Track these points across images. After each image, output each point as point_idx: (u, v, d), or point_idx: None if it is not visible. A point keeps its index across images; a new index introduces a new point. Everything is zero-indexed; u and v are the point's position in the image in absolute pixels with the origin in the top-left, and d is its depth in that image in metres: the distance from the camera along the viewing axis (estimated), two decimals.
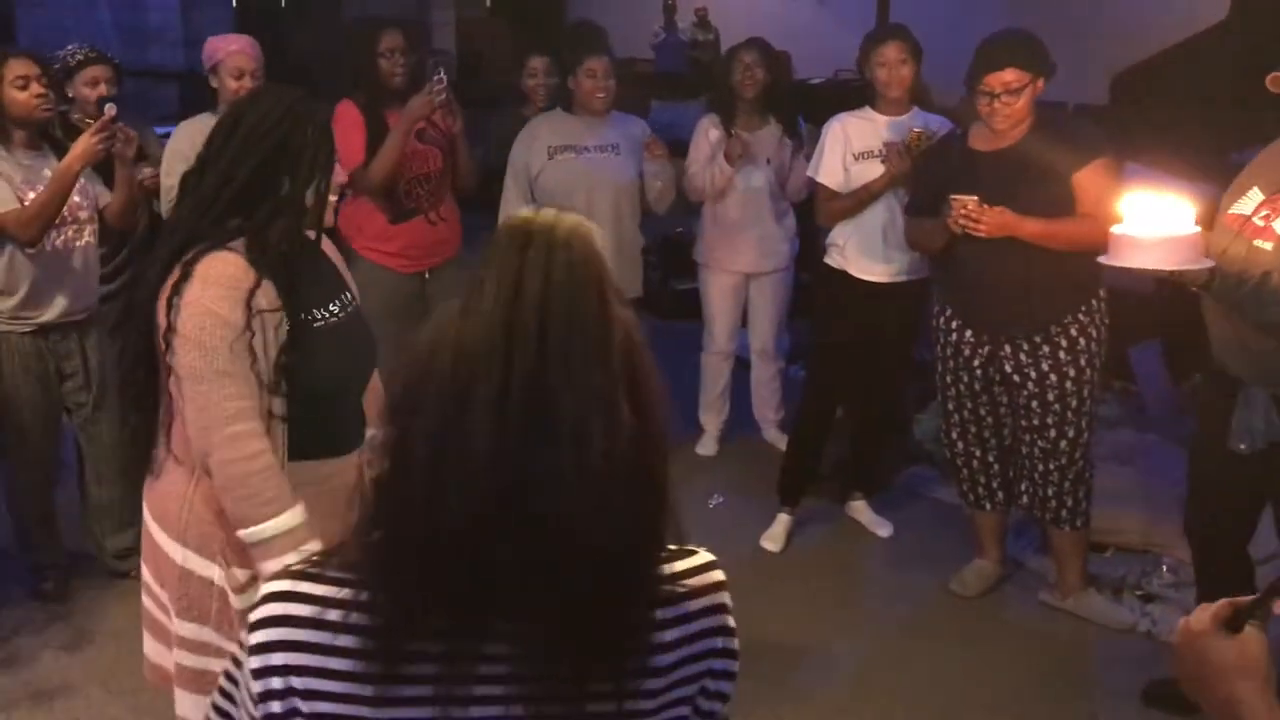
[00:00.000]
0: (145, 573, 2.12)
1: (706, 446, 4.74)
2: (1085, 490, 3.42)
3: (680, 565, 1.09)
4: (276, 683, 0.98)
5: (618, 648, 0.98)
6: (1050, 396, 3.31)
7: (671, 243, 6.36)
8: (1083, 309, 3.28)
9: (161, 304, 1.91)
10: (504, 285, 0.95)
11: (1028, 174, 3.15)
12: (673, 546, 1.09)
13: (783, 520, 4.00)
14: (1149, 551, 3.74)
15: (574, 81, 4.02)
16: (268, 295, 1.92)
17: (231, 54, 3.60)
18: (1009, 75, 3.11)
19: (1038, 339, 3.28)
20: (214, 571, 2.01)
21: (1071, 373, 3.29)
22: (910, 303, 3.80)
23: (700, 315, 4.67)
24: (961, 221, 3.14)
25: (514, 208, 4.07)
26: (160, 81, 8.67)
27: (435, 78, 3.75)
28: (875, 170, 3.69)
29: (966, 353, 3.41)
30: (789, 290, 4.57)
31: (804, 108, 4.57)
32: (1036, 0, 8.09)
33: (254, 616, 1.00)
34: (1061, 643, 3.42)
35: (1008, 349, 3.33)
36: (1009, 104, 3.13)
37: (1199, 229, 2.41)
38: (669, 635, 1.03)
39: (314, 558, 1.06)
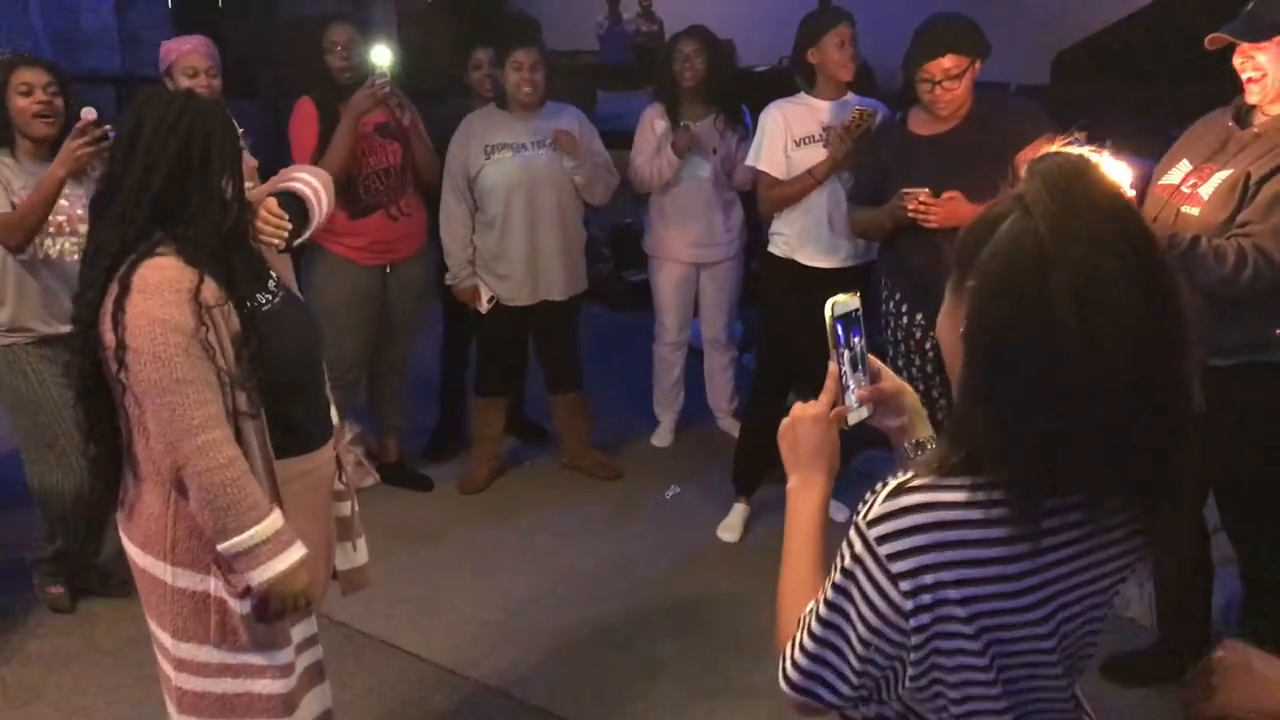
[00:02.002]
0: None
1: (662, 437, 4.74)
2: None
3: None
4: (928, 578, 1.12)
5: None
6: None
7: (622, 234, 6.35)
8: None
9: (105, 322, 1.88)
10: (1087, 223, 1.09)
11: (970, 158, 3.14)
12: None
13: (739, 510, 4.00)
14: None
15: (503, 75, 3.97)
16: (211, 290, 1.91)
17: (185, 54, 3.57)
18: (948, 61, 3.11)
19: None
20: (209, 584, 1.99)
21: None
22: (858, 288, 3.80)
23: (653, 306, 4.66)
24: (913, 214, 3.14)
25: (453, 209, 4.04)
26: (96, 85, 8.51)
27: (377, 73, 3.72)
28: (817, 155, 3.68)
29: (917, 335, 3.42)
30: (739, 279, 4.56)
31: (749, 96, 4.56)
32: None
33: (890, 528, 1.14)
34: None
35: None
36: (950, 89, 3.14)
37: (1133, 194, 2.42)
38: None
39: (912, 474, 1.17)
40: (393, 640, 3.38)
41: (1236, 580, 3.02)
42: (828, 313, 1.31)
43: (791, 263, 3.79)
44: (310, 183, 2.27)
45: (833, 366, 1.33)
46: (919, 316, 3.40)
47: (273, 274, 2.14)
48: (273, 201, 2.15)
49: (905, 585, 1.13)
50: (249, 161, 2.11)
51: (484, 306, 4.09)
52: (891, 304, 3.47)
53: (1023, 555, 1.13)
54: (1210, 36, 2.54)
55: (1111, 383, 1.07)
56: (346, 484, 2.32)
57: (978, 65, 3.17)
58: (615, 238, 6.46)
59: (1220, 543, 3.00)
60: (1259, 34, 2.49)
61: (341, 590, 2.39)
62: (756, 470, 3.98)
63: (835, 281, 3.75)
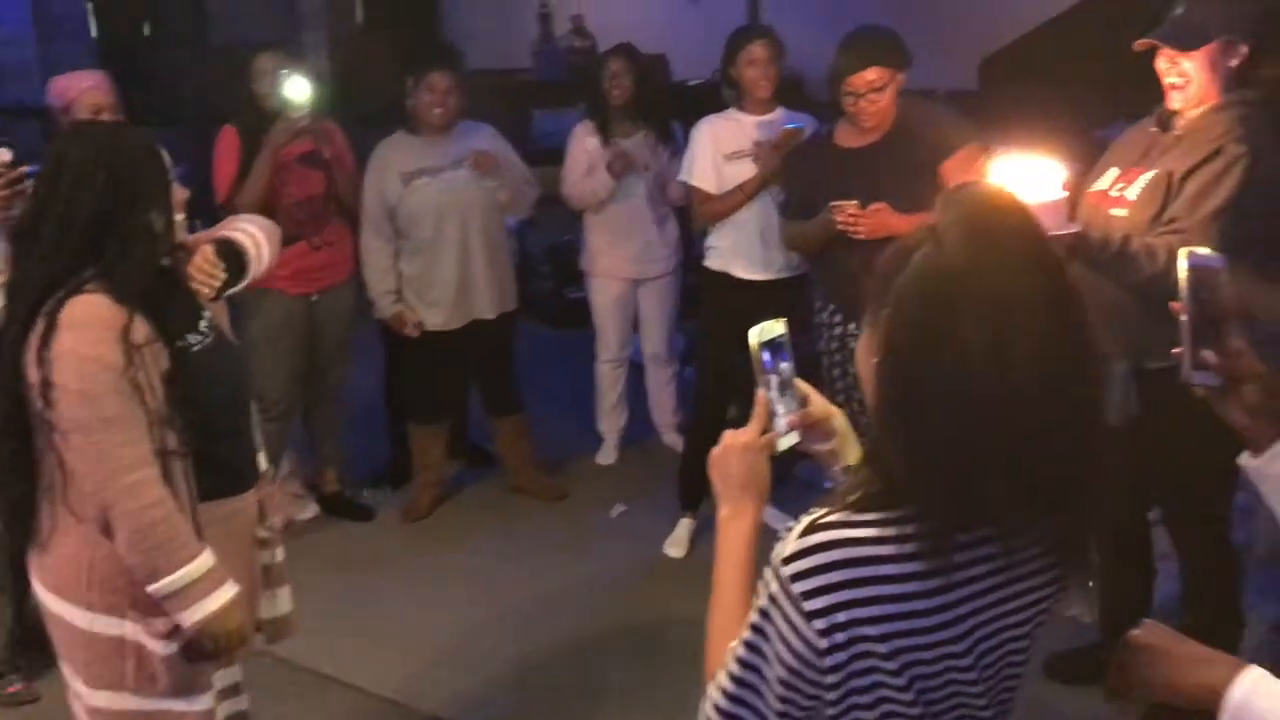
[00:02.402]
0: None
1: (606, 455, 4.71)
2: None
3: None
4: (841, 616, 1.12)
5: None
6: None
7: (561, 252, 6.32)
8: None
9: (31, 360, 1.84)
10: (1002, 253, 1.10)
11: (896, 168, 3.18)
12: None
13: (685, 525, 3.99)
14: None
15: (415, 98, 3.93)
16: (141, 329, 1.88)
17: (85, 91, 3.45)
18: (871, 74, 3.14)
19: None
20: (125, 628, 1.94)
21: None
22: (792, 299, 3.82)
23: (593, 324, 4.64)
24: (842, 226, 3.15)
25: (370, 242, 3.98)
26: (19, 119, 8.34)
27: (294, 105, 3.69)
28: (747, 170, 3.71)
29: (851, 345, 3.43)
30: (677, 294, 4.56)
31: (681, 110, 4.57)
32: None
33: (803, 565, 1.13)
34: None
35: None
36: (874, 102, 3.17)
37: (1066, 194, 2.45)
38: None
39: (827, 510, 1.16)
40: (337, 675, 3.32)
41: (1176, 576, 3.05)
42: (753, 340, 1.32)
43: (726, 276, 3.81)
44: (253, 234, 2.24)
45: (760, 393, 1.34)
46: (852, 326, 3.42)
47: (205, 314, 2.11)
48: (209, 249, 2.11)
49: (819, 624, 1.13)
50: (179, 194, 2.07)
51: (413, 331, 4.03)
52: (825, 314, 3.48)
53: (938, 589, 1.13)
54: (1139, 41, 2.57)
55: (1023, 414, 1.07)
56: (272, 531, 2.27)
57: (901, 77, 3.21)
58: (554, 255, 6.43)
59: (1160, 538, 3.04)
60: (1189, 42, 2.52)
61: (266, 640, 2.34)
62: (701, 484, 3.91)
63: (769, 294, 3.80)
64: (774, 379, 1.33)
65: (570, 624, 3.55)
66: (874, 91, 3.15)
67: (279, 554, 2.30)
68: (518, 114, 7.79)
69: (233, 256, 2.15)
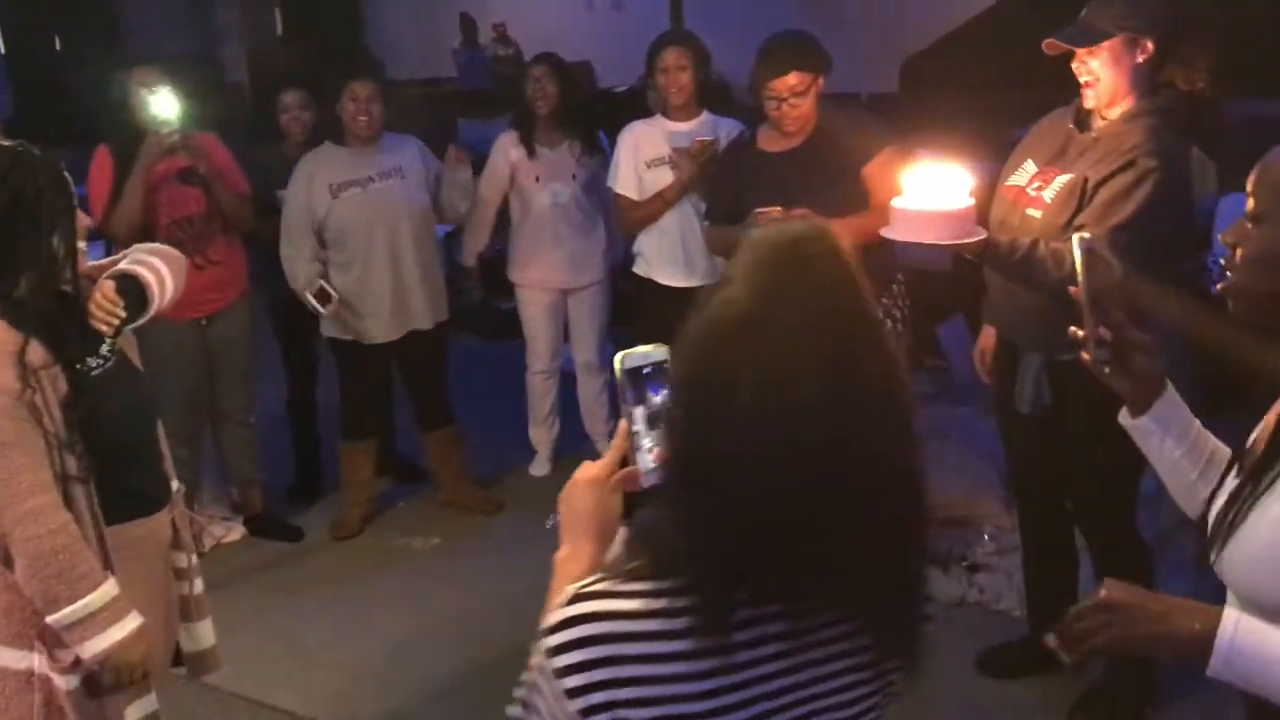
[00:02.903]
0: None
1: (539, 467, 4.68)
2: None
3: None
4: (598, 697, 1.01)
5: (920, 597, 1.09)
6: None
7: (491, 263, 6.26)
8: (884, 295, 3.36)
9: None
10: (789, 302, 0.98)
11: (819, 172, 3.21)
12: None
13: (620, 534, 3.96)
14: (970, 524, 3.85)
15: (339, 108, 3.89)
16: (37, 353, 1.83)
17: None
18: (792, 79, 3.17)
19: None
20: (33, 660, 1.87)
21: None
22: None
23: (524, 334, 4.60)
24: None
25: (298, 251, 3.89)
26: None
27: (162, 122, 3.60)
28: (667, 177, 3.73)
29: None
30: (607, 302, 4.54)
31: (608, 117, 4.56)
32: None
33: (560, 639, 1.03)
34: None
35: None
36: (796, 106, 3.19)
37: (972, 201, 2.49)
38: None
39: (598, 578, 1.07)
40: (267, 699, 3.25)
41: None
42: (616, 365, 1.19)
43: (652, 283, 3.82)
44: (156, 266, 2.17)
45: (623, 424, 1.20)
46: None
47: (108, 339, 2.05)
48: (110, 286, 2.05)
49: (578, 704, 1.02)
50: (82, 219, 2.02)
51: (331, 307, 3.88)
52: None
53: (714, 671, 1.01)
54: (1046, 42, 2.62)
55: (804, 475, 0.97)
56: (191, 562, 2.21)
57: (821, 81, 3.23)
58: (484, 267, 6.37)
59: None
60: (1090, 40, 2.57)
61: (189, 674, 2.28)
62: (634, 493, 3.95)
63: (692, 300, 3.78)
64: (640, 410, 1.19)
65: (505, 637, 3.50)
66: (795, 96, 3.17)
67: (198, 585, 2.24)
68: (443, 124, 7.73)
69: (134, 291, 2.09)
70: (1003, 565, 3.58)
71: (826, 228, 1.04)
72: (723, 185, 3.48)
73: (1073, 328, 1.56)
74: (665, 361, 1.16)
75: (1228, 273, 1.43)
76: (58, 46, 9.92)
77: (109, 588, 1.87)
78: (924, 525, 1.06)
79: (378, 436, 4.30)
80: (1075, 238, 1.52)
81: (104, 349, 2.02)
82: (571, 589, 1.06)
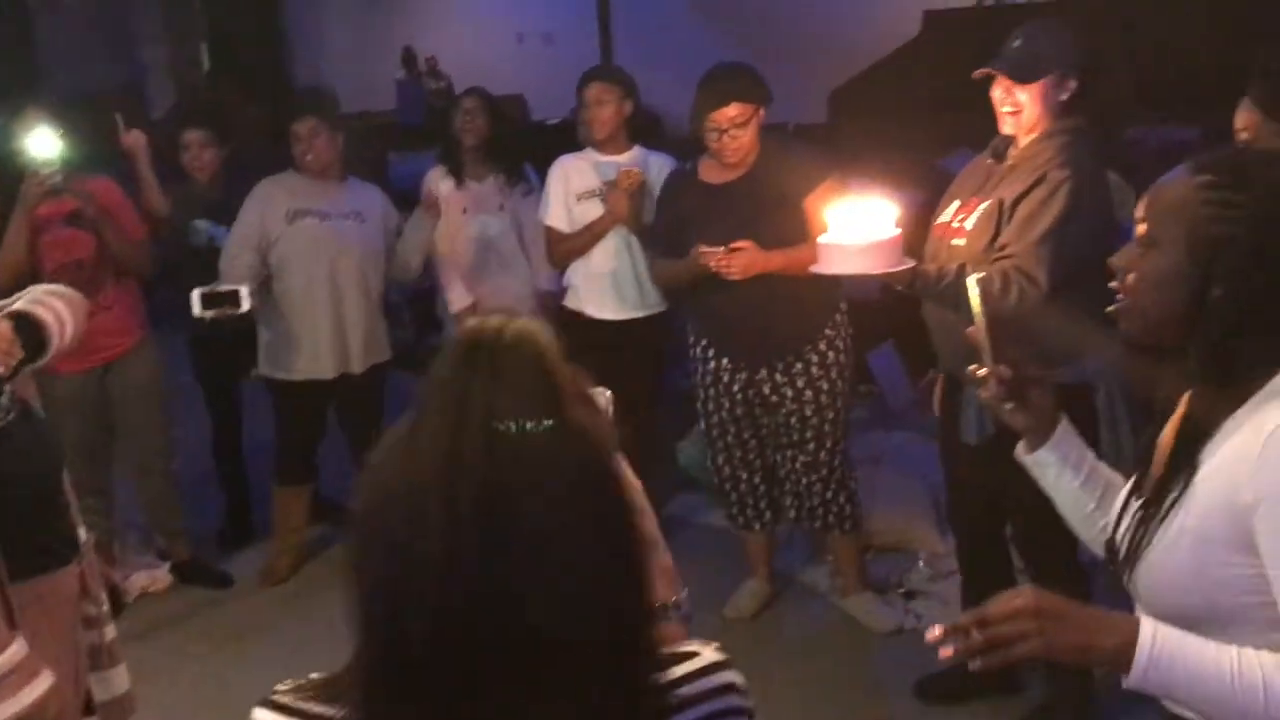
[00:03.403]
0: None
1: None
2: (848, 495, 3.53)
3: (679, 670, 1.01)
4: None
5: None
6: (808, 412, 3.40)
7: (423, 298, 6.22)
8: (829, 325, 3.39)
9: None
10: (447, 408, 0.88)
11: (761, 204, 3.23)
12: (675, 649, 1.03)
13: None
14: (905, 549, 3.87)
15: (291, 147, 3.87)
16: None
17: None
18: (733, 110, 3.18)
19: (791, 359, 3.37)
20: None
21: (825, 386, 3.39)
22: (650, 337, 3.84)
23: None
24: (714, 270, 3.18)
25: (231, 261, 3.79)
26: None
27: (42, 163, 3.45)
28: (597, 210, 3.74)
29: (725, 379, 3.47)
30: None
31: (539, 149, 4.55)
32: (756, 29, 8.46)
33: None
34: (843, 649, 3.48)
35: (764, 373, 3.41)
36: (736, 137, 3.21)
37: (899, 231, 2.52)
38: None
39: (301, 685, 1.00)
40: None
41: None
42: None
43: (583, 315, 3.81)
44: (55, 307, 2.09)
45: None
46: (725, 361, 3.46)
47: (6, 389, 1.97)
48: (5, 326, 1.97)
49: None
50: None
51: (244, 303, 3.65)
52: (699, 349, 3.52)
53: None
54: (978, 70, 2.66)
55: (432, 631, 0.86)
56: (101, 610, 2.14)
57: (762, 112, 3.26)
58: (415, 303, 6.33)
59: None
60: (1026, 75, 2.62)
61: None
62: None
63: (624, 333, 3.80)
64: None
65: None
66: (736, 127, 3.19)
67: (109, 632, 2.16)
68: (374, 157, 7.66)
69: (31, 332, 2.01)
70: (938, 591, 3.59)
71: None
72: (666, 217, 3.49)
73: (971, 366, 1.59)
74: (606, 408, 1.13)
75: (1119, 295, 1.45)
76: None
77: (17, 649, 1.78)
78: (605, 698, 0.89)
79: (313, 481, 4.22)
80: (969, 278, 1.54)
81: (2, 399, 1.94)
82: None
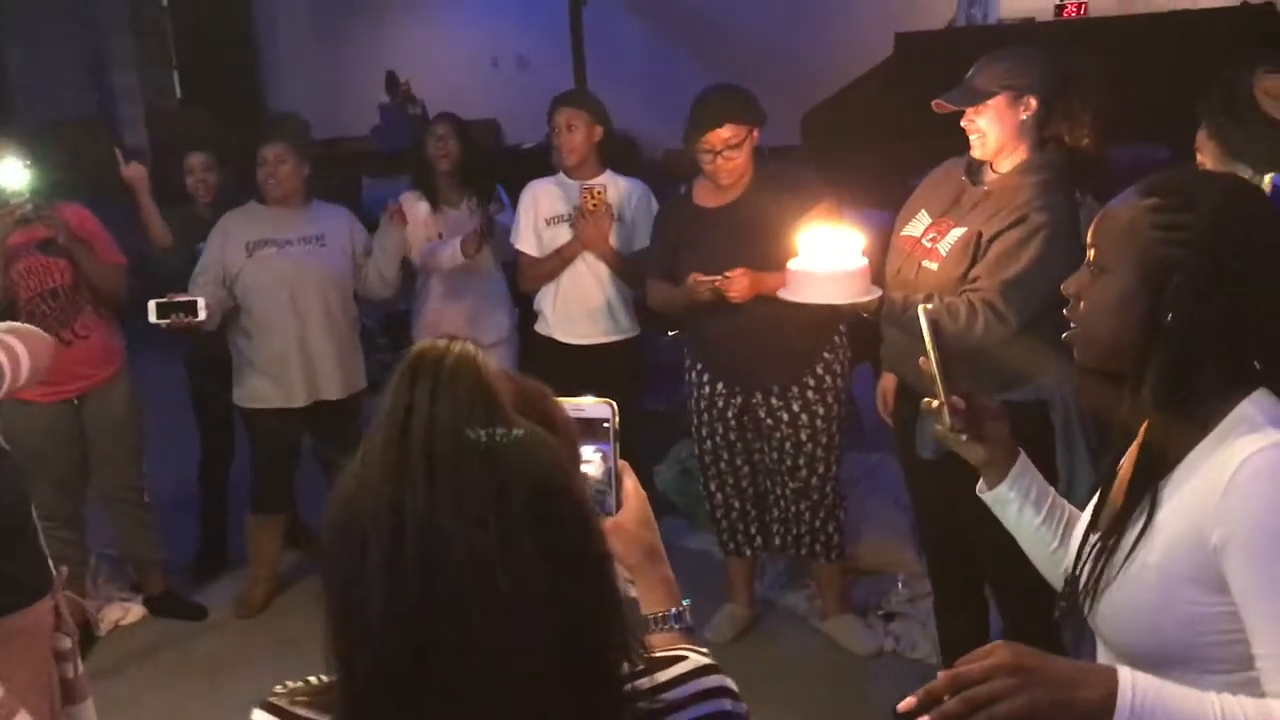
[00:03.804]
0: None
1: None
2: (836, 524, 3.53)
3: (665, 675, 1.00)
4: None
5: None
6: (803, 437, 3.39)
7: (398, 321, 6.20)
8: (826, 349, 3.38)
9: None
10: (389, 435, 0.88)
11: (753, 228, 3.22)
12: (663, 653, 1.03)
13: None
14: (884, 571, 3.86)
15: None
16: None
17: None
18: (726, 132, 3.18)
19: (787, 383, 3.36)
20: None
21: (820, 410, 3.38)
22: (623, 361, 3.83)
23: None
24: (708, 297, 3.17)
25: (199, 288, 3.74)
26: None
27: (11, 193, 3.42)
28: (566, 235, 3.74)
29: (720, 405, 3.45)
30: (513, 360, 4.47)
31: (515, 174, 4.54)
32: (728, 52, 8.50)
33: None
34: (824, 672, 3.47)
35: (759, 397, 3.39)
36: (731, 159, 3.21)
37: (865, 261, 2.52)
38: None
39: (297, 688, 1.01)
40: None
41: None
42: None
43: (552, 340, 3.80)
44: (9, 344, 2.05)
45: None
46: (719, 386, 3.45)
47: None
48: None
49: None
50: None
51: (201, 312, 3.61)
52: (694, 374, 3.52)
53: None
54: (935, 102, 2.68)
55: (391, 651, 0.87)
56: (73, 644, 2.10)
57: (756, 134, 3.25)
58: (391, 326, 6.31)
59: None
60: (973, 100, 2.65)
61: None
62: None
63: (594, 358, 3.79)
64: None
65: None
66: (730, 149, 3.19)
67: (78, 667, 2.12)
68: (346, 182, 7.64)
69: None
70: (916, 613, 3.58)
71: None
72: (660, 241, 3.49)
73: (925, 399, 1.55)
74: (605, 420, 1.14)
75: (1071, 323, 1.43)
76: None
77: None
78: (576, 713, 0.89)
79: (288, 509, 4.18)
80: (920, 309, 1.51)
81: None
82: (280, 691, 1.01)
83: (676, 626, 1.19)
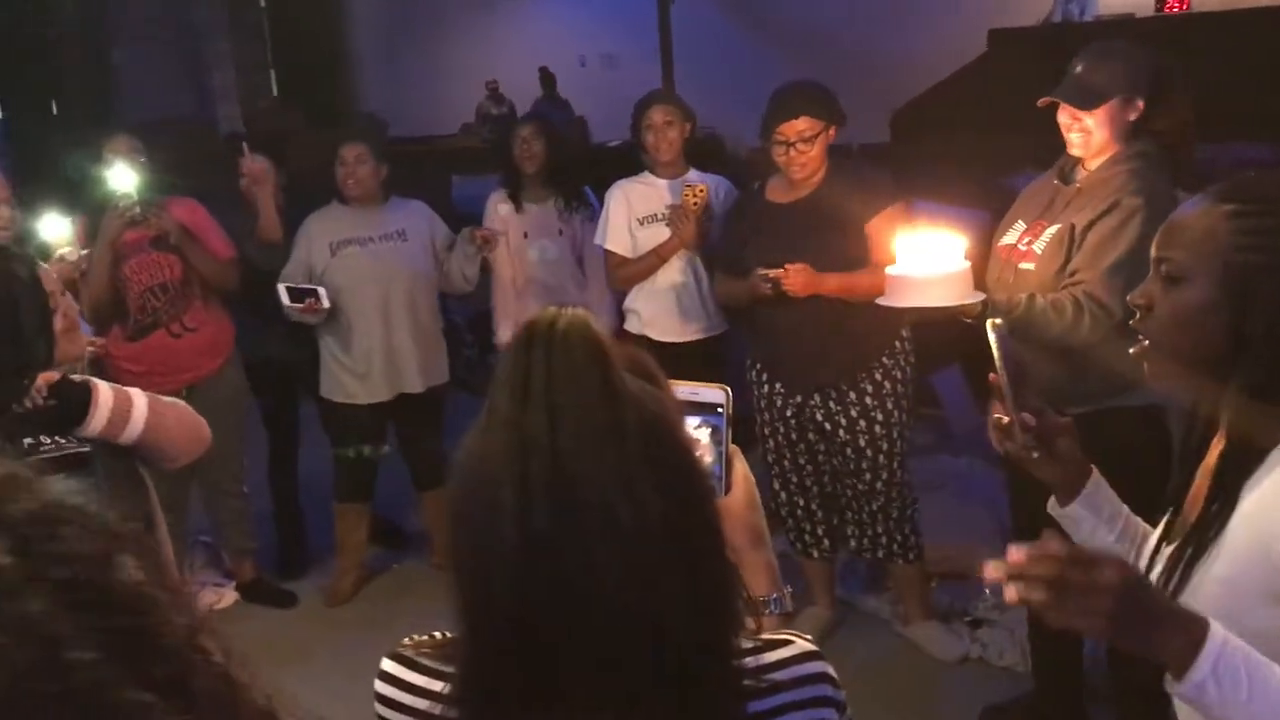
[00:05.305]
0: None
1: None
2: (911, 525, 3.48)
3: (772, 656, 1.04)
4: None
5: None
6: (862, 441, 3.36)
7: (485, 320, 6.27)
8: (886, 352, 3.34)
9: None
10: (513, 390, 0.94)
11: (823, 226, 3.21)
12: (770, 636, 1.07)
13: None
14: (969, 576, 3.79)
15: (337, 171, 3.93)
16: None
17: None
18: (802, 124, 3.17)
19: (844, 386, 3.33)
20: None
21: (880, 416, 3.34)
22: (712, 359, 3.82)
23: None
24: (770, 293, 3.16)
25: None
26: None
27: (121, 195, 3.57)
28: (661, 234, 3.73)
29: (779, 404, 3.44)
30: None
31: (599, 173, 4.56)
32: (816, 50, 8.44)
33: (376, 689, 1.09)
34: (904, 677, 3.42)
35: (816, 399, 3.37)
36: (804, 152, 3.19)
37: (968, 264, 2.48)
38: None
39: (423, 641, 1.10)
40: None
41: None
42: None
43: (644, 339, 3.80)
44: (130, 398, 2.05)
45: None
46: (777, 385, 3.43)
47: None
48: (49, 375, 1.97)
49: None
50: (70, 303, 2.00)
51: (325, 300, 3.78)
52: (754, 372, 3.51)
53: None
54: (1042, 99, 2.63)
55: (518, 594, 0.93)
56: None
57: (832, 132, 3.24)
58: (477, 324, 6.39)
59: None
60: (1090, 103, 2.59)
61: None
62: None
63: (687, 355, 3.79)
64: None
65: None
66: (804, 142, 3.17)
67: None
68: (437, 181, 7.76)
69: (72, 394, 1.94)
70: (1004, 620, 3.51)
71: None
72: (731, 236, 3.49)
73: (995, 415, 1.49)
74: (719, 404, 1.20)
75: (1140, 337, 1.38)
76: (54, 110, 9.96)
77: None
78: (691, 672, 0.93)
79: (371, 498, 4.26)
80: (989, 323, 1.46)
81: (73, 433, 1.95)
82: (408, 640, 1.10)
83: (777, 611, 1.24)
